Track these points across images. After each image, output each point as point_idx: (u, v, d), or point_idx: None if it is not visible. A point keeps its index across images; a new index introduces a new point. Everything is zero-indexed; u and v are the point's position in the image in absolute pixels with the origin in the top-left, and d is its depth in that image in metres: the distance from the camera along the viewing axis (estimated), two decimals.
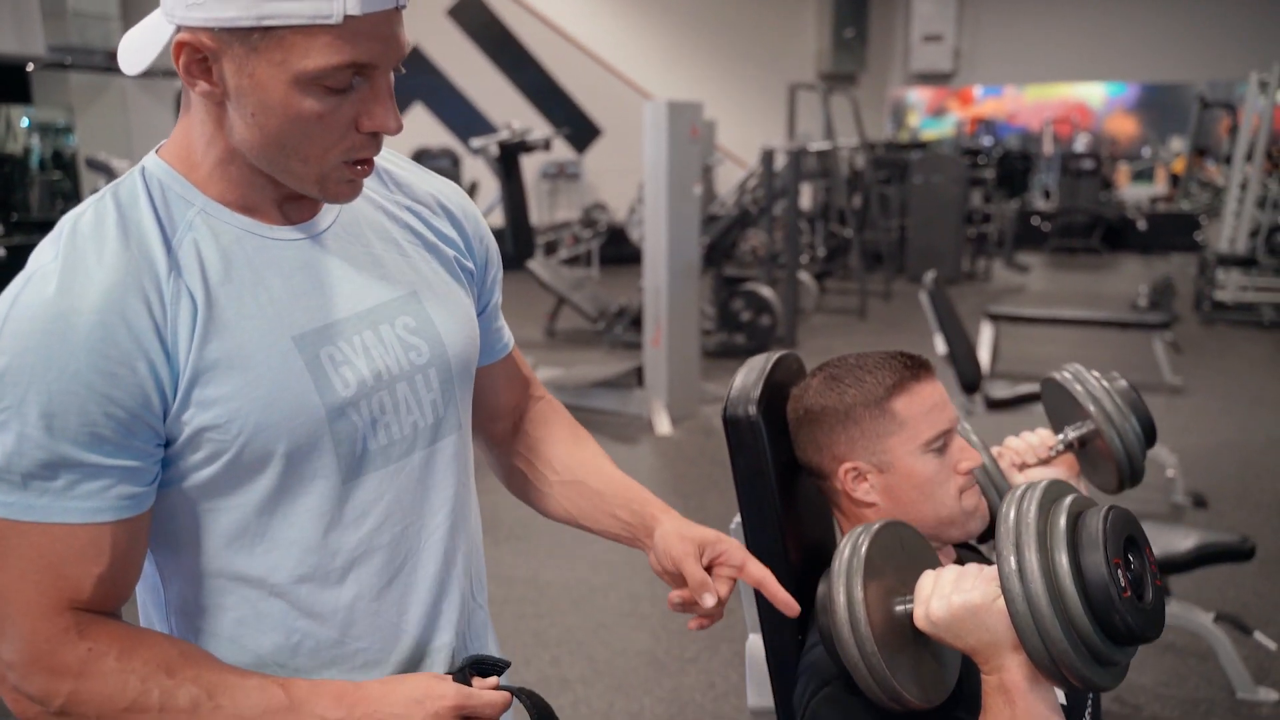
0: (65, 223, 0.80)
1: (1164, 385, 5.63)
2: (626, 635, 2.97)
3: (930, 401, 1.14)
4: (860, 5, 13.84)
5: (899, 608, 0.94)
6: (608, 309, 6.98)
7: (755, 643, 1.26)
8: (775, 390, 1.20)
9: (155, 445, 0.79)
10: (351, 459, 0.86)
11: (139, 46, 0.81)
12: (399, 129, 0.81)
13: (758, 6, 13.38)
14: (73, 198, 10.68)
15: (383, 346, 0.88)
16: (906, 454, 1.12)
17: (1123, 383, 1.31)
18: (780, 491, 1.15)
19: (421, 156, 10.59)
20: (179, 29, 0.76)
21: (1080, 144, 14.66)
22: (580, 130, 11.58)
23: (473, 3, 11.05)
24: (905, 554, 0.98)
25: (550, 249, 9.75)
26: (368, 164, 0.84)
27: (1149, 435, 1.30)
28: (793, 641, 1.17)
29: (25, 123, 11.01)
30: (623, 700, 2.64)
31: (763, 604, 1.20)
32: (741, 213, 6.83)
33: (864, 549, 0.93)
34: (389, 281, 0.91)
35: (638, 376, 5.30)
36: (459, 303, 0.97)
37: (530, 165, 10.35)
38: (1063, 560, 0.83)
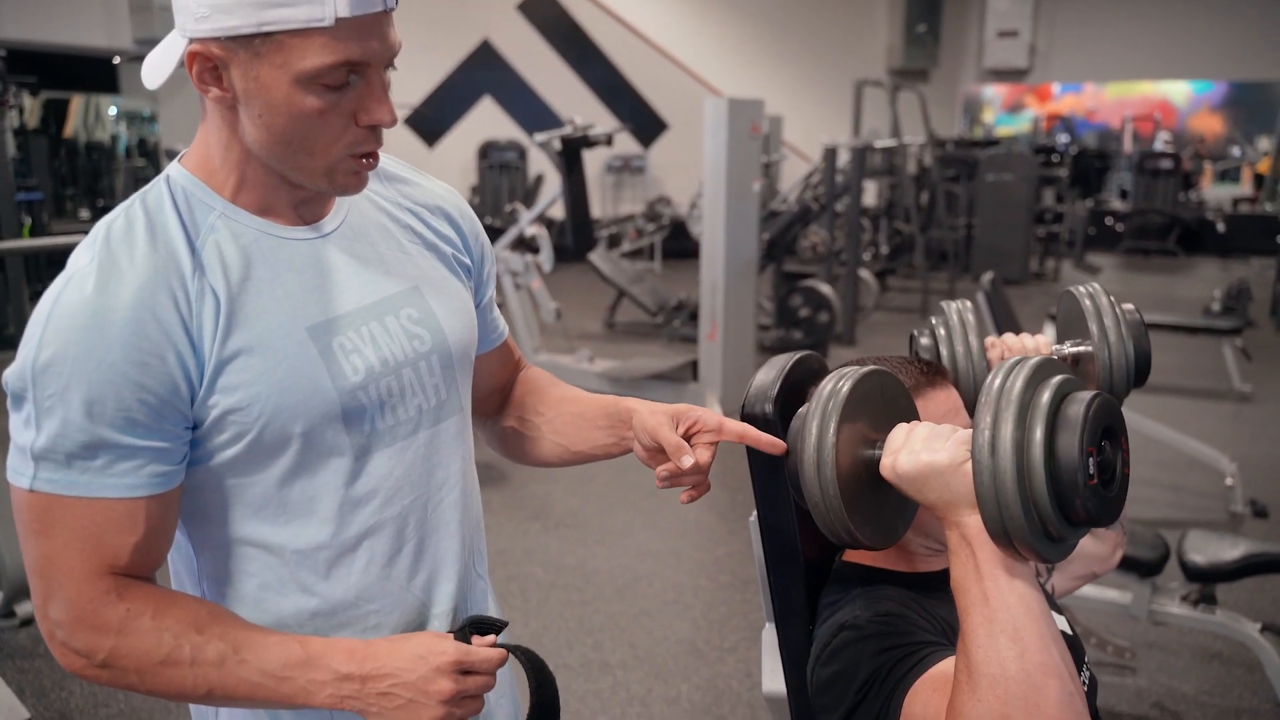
0: (99, 228, 0.88)
1: (1232, 392, 5.50)
2: (668, 623, 3.03)
3: (945, 408, 1.17)
4: (934, 1, 13.65)
5: (867, 453, 0.97)
6: (667, 303, 7.03)
7: (770, 632, 1.31)
8: (793, 389, 1.24)
9: (184, 428, 0.88)
10: (362, 438, 0.95)
11: (158, 62, 0.90)
12: (393, 121, 0.89)
13: (829, 2, 13.28)
14: None
15: (389, 336, 0.97)
16: None
17: (1136, 315, 1.29)
18: (796, 491, 1.19)
19: (489, 149, 10.76)
20: (190, 42, 0.84)
21: (1160, 142, 14.26)
22: (646, 125, 11.64)
23: None
24: (884, 403, 1.01)
25: (614, 242, 9.83)
26: (372, 157, 0.91)
27: (1141, 373, 1.28)
28: (804, 633, 1.21)
29: (113, 112, 11.45)
30: (661, 686, 2.70)
31: (776, 595, 1.24)
32: (803, 209, 6.82)
33: (845, 390, 0.96)
34: (393, 277, 1.00)
35: (693, 371, 5.35)
36: (458, 295, 1.06)
37: (595, 159, 10.44)
38: (1037, 438, 0.84)
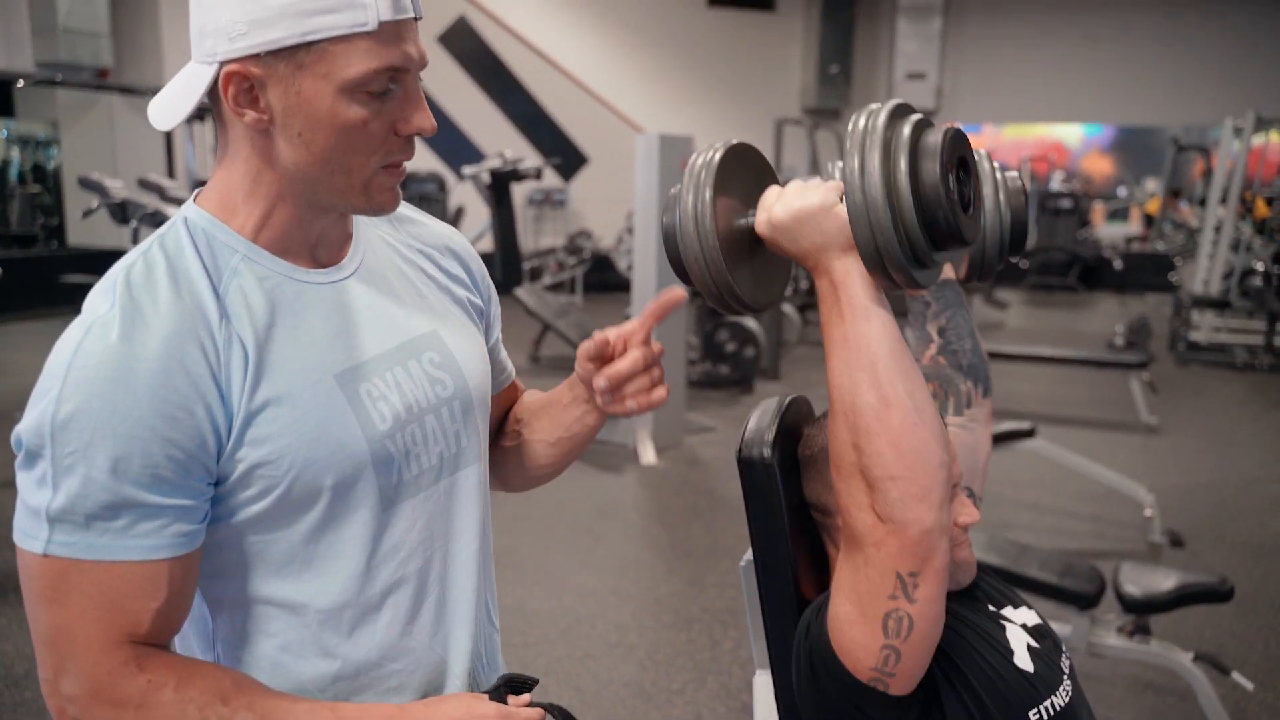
0: (117, 273, 0.84)
1: (1140, 424, 5.72)
2: (613, 666, 2.98)
3: None
4: (845, 43, 14.05)
5: (741, 221, 1.01)
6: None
7: (763, 680, 1.29)
8: (786, 432, 1.24)
9: (207, 484, 0.83)
10: (389, 488, 0.92)
11: (173, 101, 0.85)
12: (434, 129, 0.87)
13: (744, 41, 13.56)
14: (53, 212, 10.64)
15: (412, 381, 0.94)
16: None
17: (1019, 183, 1.23)
18: (792, 532, 1.19)
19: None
20: (223, 65, 0.81)
21: (1057, 182, 14.90)
22: (567, 158, 11.67)
23: (463, 29, 11.14)
24: (753, 176, 1.04)
25: (535, 275, 9.79)
26: (401, 170, 0.89)
27: (1016, 243, 1.22)
28: None
29: (3, 134, 10.96)
30: None
31: (772, 640, 1.23)
32: None
33: (716, 159, 1.00)
34: (413, 319, 0.97)
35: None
36: (474, 338, 1.04)
37: (517, 192, 10.41)
38: (902, 165, 0.90)
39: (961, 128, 0.95)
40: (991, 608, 1.18)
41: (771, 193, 0.99)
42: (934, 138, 0.91)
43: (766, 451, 1.18)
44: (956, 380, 1.34)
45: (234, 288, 0.85)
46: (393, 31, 0.82)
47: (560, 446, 1.15)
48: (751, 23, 13.68)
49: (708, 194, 0.96)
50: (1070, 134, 15.74)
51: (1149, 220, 13.88)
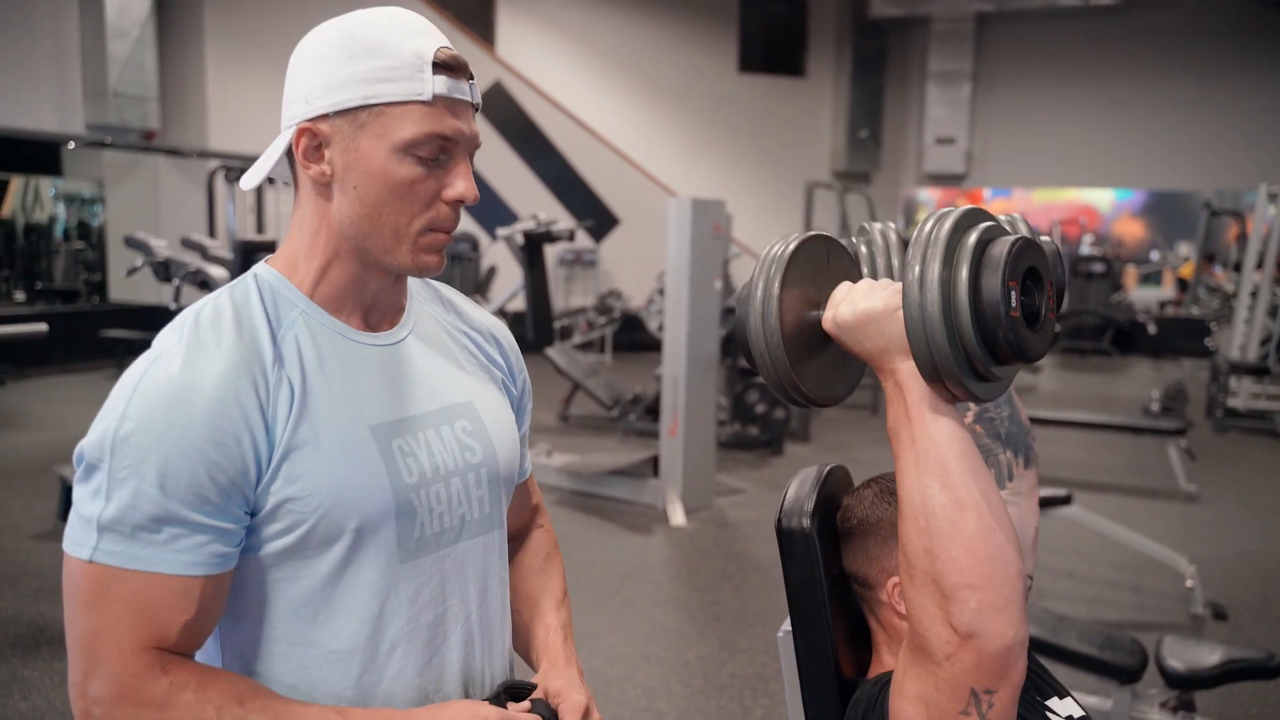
0: (188, 314, 0.93)
1: (1179, 492, 5.62)
2: None
3: None
4: (874, 107, 14.21)
5: (811, 314, 0.99)
6: (622, 396, 7.03)
7: None
8: (825, 502, 1.24)
9: (245, 512, 0.89)
10: (409, 541, 0.97)
11: (258, 165, 0.98)
12: (476, 198, 0.94)
13: (774, 106, 13.75)
14: (96, 268, 10.88)
15: (443, 444, 1.00)
16: None
17: (1055, 246, 1.20)
18: (832, 603, 1.18)
19: None
20: (296, 127, 0.92)
21: (1087, 246, 14.86)
22: (599, 220, 11.82)
23: (499, 94, 11.38)
24: (829, 268, 1.03)
25: (565, 334, 9.86)
26: (448, 237, 0.96)
27: (1058, 295, 1.24)
28: None
29: (51, 193, 11.27)
30: None
31: (809, 713, 1.21)
32: None
33: (789, 252, 0.98)
34: (451, 390, 1.04)
35: (653, 466, 5.32)
36: (507, 416, 1.10)
37: (548, 252, 10.54)
38: (963, 275, 0.87)
39: (1037, 235, 0.93)
40: (1038, 697, 1.16)
41: (842, 289, 0.99)
42: (1000, 248, 0.89)
43: (806, 521, 1.18)
44: (995, 450, 1.32)
45: (290, 337, 0.94)
46: (446, 107, 0.91)
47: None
48: (782, 88, 13.88)
49: (776, 288, 0.96)
50: (1101, 198, 15.72)
51: (1183, 284, 13.78)
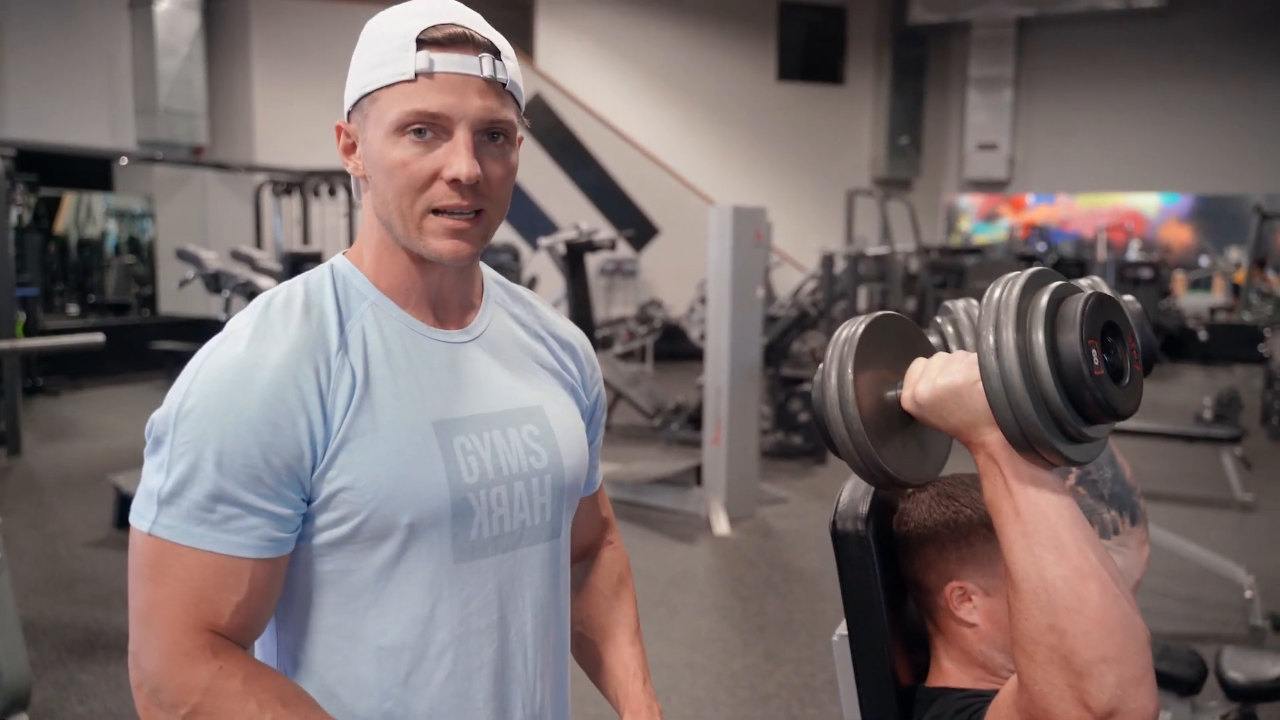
0: (262, 298, 0.94)
1: (1234, 501, 5.50)
2: None
3: None
4: (915, 114, 14.12)
5: (889, 393, 0.97)
6: (664, 405, 7.02)
7: None
8: (879, 506, 1.22)
9: (300, 498, 0.89)
10: (465, 541, 0.94)
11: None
12: (470, 173, 0.89)
13: (814, 114, 13.71)
14: (147, 282, 11.10)
15: (508, 446, 0.98)
16: None
17: (1137, 305, 1.26)
18: (888, 608, 1.17)
19: (485, 251, 10.88)
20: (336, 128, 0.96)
21: (1134, 252, 14.62)
22: (639, 229, 11.85)
23: (539, 105, 11.47)
24: (900, 345, 1.00)
25: (606, 344, 9.88)
26: (464, 218, 0.91)
27: (1148, 364, 1.20)
28: None
29: (102, 207, 11.52)
30: None
31: (866, 714, 1.20)
32: (800, 314, 6.89)
33: (859, 334, 0.96)
34: (520, 392, 1.01)
35: (696, 475, 5.31)
36: (577, 424, 1.07)
37: (589, 262, 10.59)
38: (1038, 339, 0.85)
39: (1109, 292, 0.88)
40: None
41: (917, 366, 0.96)
42: (1073, 305, 0.86)
43: (861, 525, 1.17)
44: (1099, 510, 1.29)
45: (357, 327, 0.93)
46: (435, 83, 0.89)
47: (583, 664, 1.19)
48: (821, 95, 13.84)
49: (850, 373, 0.94)
50: (1147, 203, 15.46)
51: (1236, 290, 13.51)
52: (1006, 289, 0.89)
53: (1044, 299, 0.87)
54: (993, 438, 0.89)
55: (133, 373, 9.05)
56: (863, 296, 9.40)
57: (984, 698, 1.02)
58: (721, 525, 4.96)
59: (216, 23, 9.97)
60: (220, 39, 10.01)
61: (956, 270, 10.39)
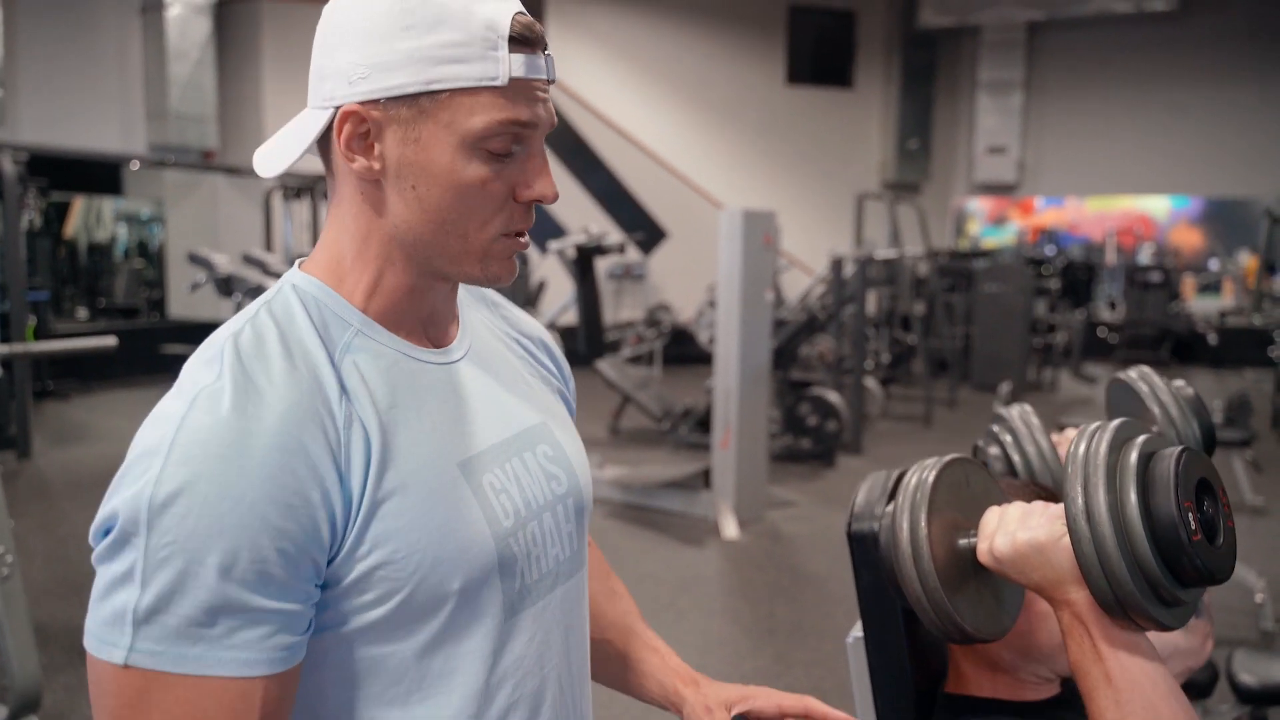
0: (222, 340, 0.75)
1: (1245, 505, 5.47)
2: None
3: None
4: (924, 117, 14.11)
5: (962, 542, 0.93)
6: (673, 409, 7.02)
7: None
8: None
9: (314, 586, 0.72)
10: (512, 594, 0.81)
11: (282, 147, 0.80)
12: (556, 197, 0.80)
13: (823, 117, 13.70)
14: (156, 286, 11.15)
15: (529, 475, 0.86)
16: None
17: (1189, 390, 1.30)
18: (904, 609, 1.16)
19: None
20: (338, 110, 0.76)
21: (1144, 255, 14.58)
22: (648, 233, 11.85)
23: None
24: (970, 491, 0.98)
25: (614, 347, 9.89)
26: (523, 240, 0.81)
27: (1209, 442, 1.28)
28: None
29: (112, 211, 11.57)
30: None
31: (882, 716, 1.20)
32: (810, 318, 6.89)
33: (930, 481, 0.93)
34: (523, 409, 0.89)
35: (705, 478, 5.31)
36: (576, 434, 0.97)
37: (598, 265, 10.61)
38: (1131, 500, 0.81)
39: (1196, 452, 0.85)
40: None
41: (992, 517, 0.92)
42: (1165, 464, 0.83)
43: (877, 526, 1.16)
44: None
45: (349, 363, 0.77)
46: (523, 89, 0.76)
47: (602, 681, 1.09)
48: (830, 99, 13.83)
49: (923, 525, 0.90)
50: (1157, 206, 15.41)
51: (1247, 292, 13.45)
52: (1093, 443, 0.86)
53: (1133, 456, 0.84)
54: (1079, 597, 0.85)
55: (142, 376, 9.07)
56: (872, 300, 9.39)
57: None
58: (730, 529, 4.96)
59: (228, 28, 10.02)
60: (231, 44, 10.05)
61: (966, 274, 10.37)
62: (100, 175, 10.62)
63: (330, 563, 0.72)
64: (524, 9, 0.78)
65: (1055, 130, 14.13)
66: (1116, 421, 0.88)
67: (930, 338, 9.40)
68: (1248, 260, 13.78)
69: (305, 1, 10.28)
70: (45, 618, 3.63)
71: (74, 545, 4.49)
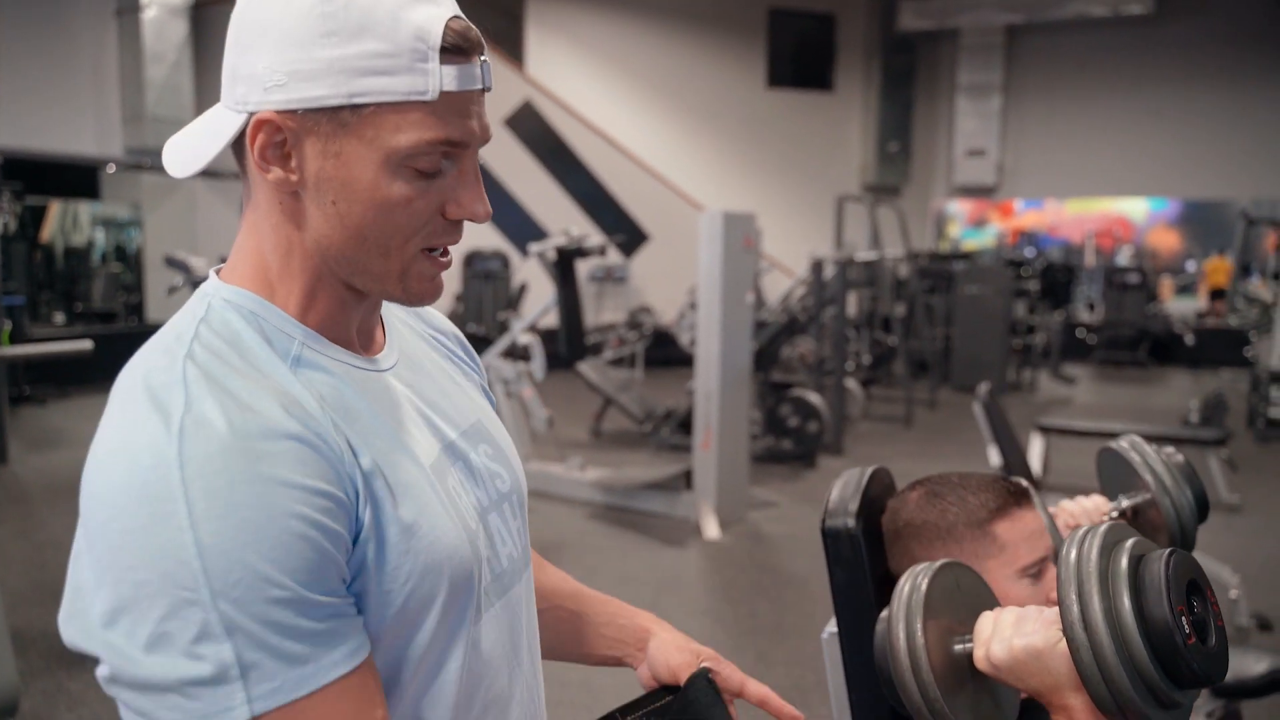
0: (154, 364, 0.70)
1: (1221, 503, 5.53)
2: None
3: (1031, 528, 1.17)
4: (904, 120, 14.19)
5: (958, 647, 0.94)
6: (654, 411, 7.03)
7: None
8: (870, 504, 1.24)
9: (343, 581, 0.70)
10: (479, 595, 0.79)
11: (192, 145, 0.75)
12: (488, 216, 0.75)
13: (803, 120, 13.76)
14: (134, 289, 11.07)
15: (476, 475, 0.84)
16: (1004, 577, 1.15)
17: (1179, 457, 1.33)
18: (877, 604, 1.17)
19: (474, 258, 10.89)
20: (251, 115, 0.70)
21: (1123, 257, 14.71)
22: (629, 236, 11.86)
23: (528, 112, 11.48)
24: (962, 594, 0.99)
25: (595, 350, 9.89)
26: (447, 259, 0.77)
27: (1202, 508, 1.32)
28: None
29: (89, 215, 11.48)
30: None
31: (856, 713, 1.21)
32: (790, 320, 6.91)
33: (924, 587, 0.94)
34: (459, 410, 0.87)
35: (686, 480, 5.32)
36: (503, 426, 0.94)
37: (579, 268, 10.62)
38: (1126, 606, 0.83)
39: (1183, 554, 0.86)
40: None
41: (986, 622, 0.93)
42: (1155, 568, 0.84)
43: (851, 522, 1.18)
44: None
45: (304, 377, 0.72)
46: (455, 103, 0.71)
47: (559, 654, 1.05)
48: (810, 102, 13.90)
49: (920, 635, 0.91)
50: (1135, 208, 15.58)
51: (1215, 293, 13.59)
52: (1084, 548, 0.87)
53: (1124, 560, 0.85)
54: (1077, 702, 0.86)
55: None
56: (852, 302, 9.43)
57: None
58: (712, 529, 4.97)
59: (204, 30, 9.96)
60: (208, 46, 9.99)
61: (946, 276, 10.43)
62: (77, 179, 10.54)
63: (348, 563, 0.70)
64: (459, 13, 0.73)
65: (1034, 133, 14.25)
66: (1104, 526, 0.89)
67: (911, 339, 9.45)
68: (1211, 261, 13.94)
69: None
70: (22, 624, 3.60)
71: (51, 551, 4.45)
